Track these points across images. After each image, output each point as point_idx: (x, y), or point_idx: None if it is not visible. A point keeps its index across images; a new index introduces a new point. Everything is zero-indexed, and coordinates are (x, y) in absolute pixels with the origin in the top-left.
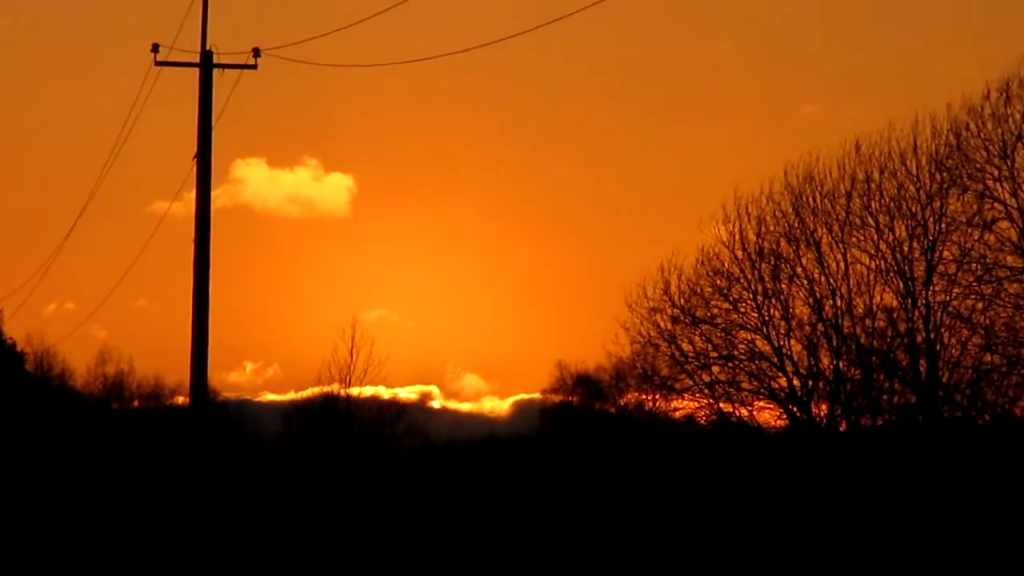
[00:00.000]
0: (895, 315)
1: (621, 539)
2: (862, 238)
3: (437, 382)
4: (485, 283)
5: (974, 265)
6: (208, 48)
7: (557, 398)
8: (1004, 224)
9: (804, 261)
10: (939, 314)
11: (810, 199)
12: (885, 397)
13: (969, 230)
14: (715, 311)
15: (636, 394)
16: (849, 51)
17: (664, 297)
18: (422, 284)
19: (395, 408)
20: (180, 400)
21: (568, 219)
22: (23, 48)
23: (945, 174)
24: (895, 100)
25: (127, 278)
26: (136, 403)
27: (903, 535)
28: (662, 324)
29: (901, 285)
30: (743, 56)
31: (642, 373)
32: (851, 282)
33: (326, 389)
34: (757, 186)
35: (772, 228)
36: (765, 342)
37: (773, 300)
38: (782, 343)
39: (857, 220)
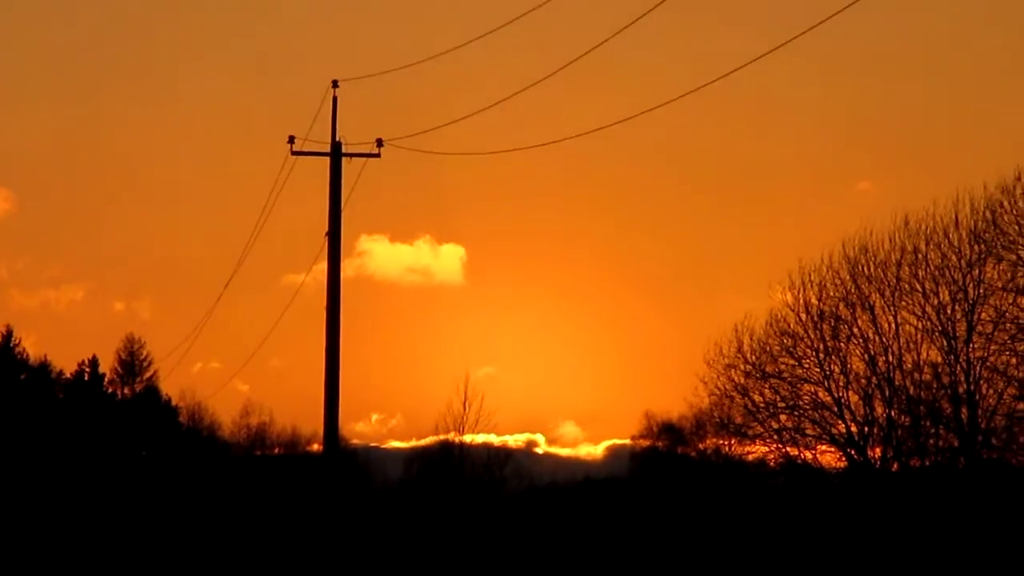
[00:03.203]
0: (940, 369)
1: (701, 570)
2: (911, 302)
3: (541, 430)
4: (581, 342)
5: (1009, 325)
6: (337, 140)
7: (645, 443)
8: None
9: (860, 322)
10: (978, 368)
11: (865, 268)
12: (932, 441)
13: (1004, 295)
14: (782, 366)
15: (714, 440)
16: (899, 133)
17: (738, 354)
18: (526, 343)
19: (503, 453)
20: (315, 447)
21: (654, 287)
22: (180, 140)
23: (982, 245)
24: (940, 179)
25: (267, 341)
26: (276, 450)
27: (947, 563)
28: (736, 378)
29: (945, 343)
30: (804, 141)
31: (719, 421)
32: (901, 340)
33: (442, 437)
34: (818, 256)
35: (832, 293)
36: (826, 393)
37: (833, 356)
38: (841, 394)
39: (906, 286)
